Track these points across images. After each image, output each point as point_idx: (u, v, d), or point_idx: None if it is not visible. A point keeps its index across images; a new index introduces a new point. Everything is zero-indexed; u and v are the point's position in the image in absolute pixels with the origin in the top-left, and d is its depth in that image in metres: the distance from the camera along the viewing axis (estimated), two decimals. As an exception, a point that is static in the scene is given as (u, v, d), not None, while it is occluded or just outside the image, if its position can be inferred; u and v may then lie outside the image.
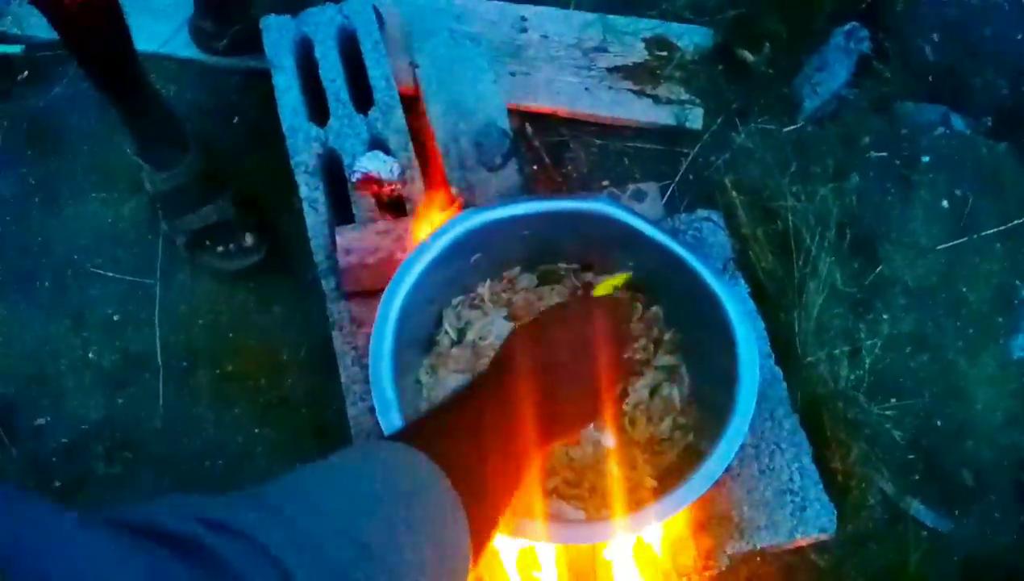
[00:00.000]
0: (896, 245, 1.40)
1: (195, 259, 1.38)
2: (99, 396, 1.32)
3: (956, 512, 1.24)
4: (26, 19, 1.55)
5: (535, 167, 1.50)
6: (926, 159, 1.47)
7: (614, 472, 1.00)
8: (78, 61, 1.22)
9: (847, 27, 1.54)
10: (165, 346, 1.35)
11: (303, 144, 1.24)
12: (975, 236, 1.43)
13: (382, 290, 1.02)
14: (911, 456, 1.24)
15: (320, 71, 1.30)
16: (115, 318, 1.37)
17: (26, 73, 1.55)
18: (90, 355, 1.35)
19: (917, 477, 1.24)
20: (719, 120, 1.51)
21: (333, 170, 1.26)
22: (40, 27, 1.50)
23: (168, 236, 1.39)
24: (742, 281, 1.20)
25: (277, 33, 1.31)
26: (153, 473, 1.27)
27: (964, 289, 1.39)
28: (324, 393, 1.26)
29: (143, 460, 1.28)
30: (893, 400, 1.28)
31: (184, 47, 1.55)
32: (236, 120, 1.51)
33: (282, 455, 1.27)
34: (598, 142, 1.52)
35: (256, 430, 1.30)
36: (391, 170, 1.22)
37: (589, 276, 1.14)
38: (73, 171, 1.47)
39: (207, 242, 1.37)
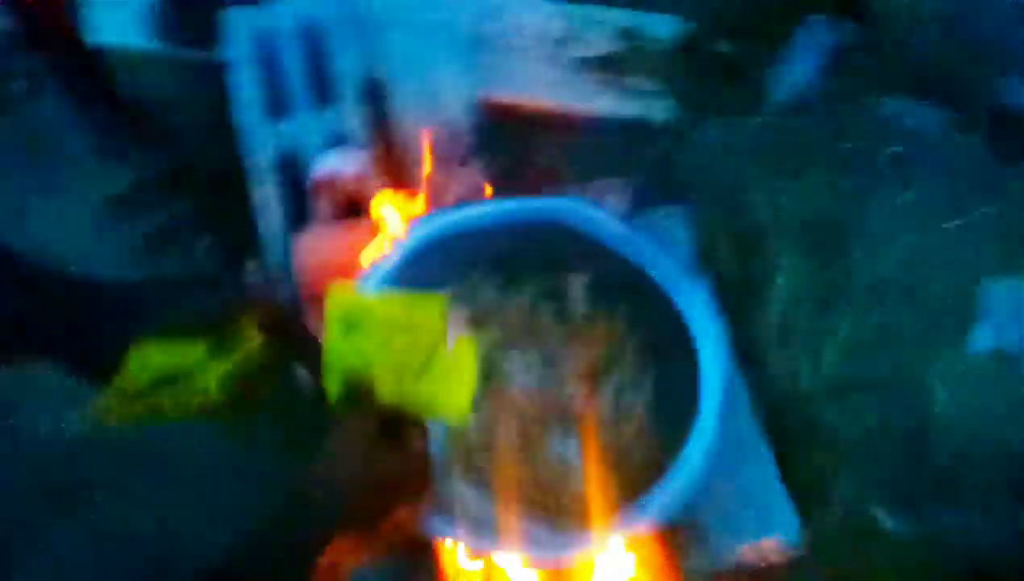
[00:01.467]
0: (859, 240, 1.40)
1: (153, 263, 1.35)
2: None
3: (918, 515, 1.26)
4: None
5: (501, 157, 1.48)
6: (896, 150, 1.46)
7: (579, 486, 1.00)
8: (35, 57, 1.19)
9: (820, 17, 1.53)
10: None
11: (259, 141, 1.21)
12: (939, 228, 1.44)
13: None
14: (871, 458, 1.25)
15: (280, 65, 1.26)
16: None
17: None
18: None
19: (877, 480, 1.25)
20: (687, 112, 1.49)
21: (292, 169, 1.23)
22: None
23: (126, 239, 1.36)
24: (704, 283, 1.19)
25: (237, 26, 1.28)
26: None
27: (926, 283, 1.39)
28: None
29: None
30: (854, 398, 1.29)
31: (141, 36, 1.49)
32: (195, 115, 1.47)
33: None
34: (564, 136, 1.50)
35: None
36: (353, 166, 1.20)
37: (552, 277, 1.13)
38: (31, 169, 1.43)
39: (162, 245, 1.34)
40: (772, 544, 1.05)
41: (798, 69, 1.51)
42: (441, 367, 0.73)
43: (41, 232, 1.38)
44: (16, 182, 1.41)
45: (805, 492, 1.15)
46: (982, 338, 1.39)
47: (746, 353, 1.21)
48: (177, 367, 0.62)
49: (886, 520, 1.23)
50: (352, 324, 0.69)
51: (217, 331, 0.63)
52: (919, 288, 1.40)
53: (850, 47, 1.51)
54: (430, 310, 0.71)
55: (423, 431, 0.73)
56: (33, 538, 1.20)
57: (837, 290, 1.37)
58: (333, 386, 0.69)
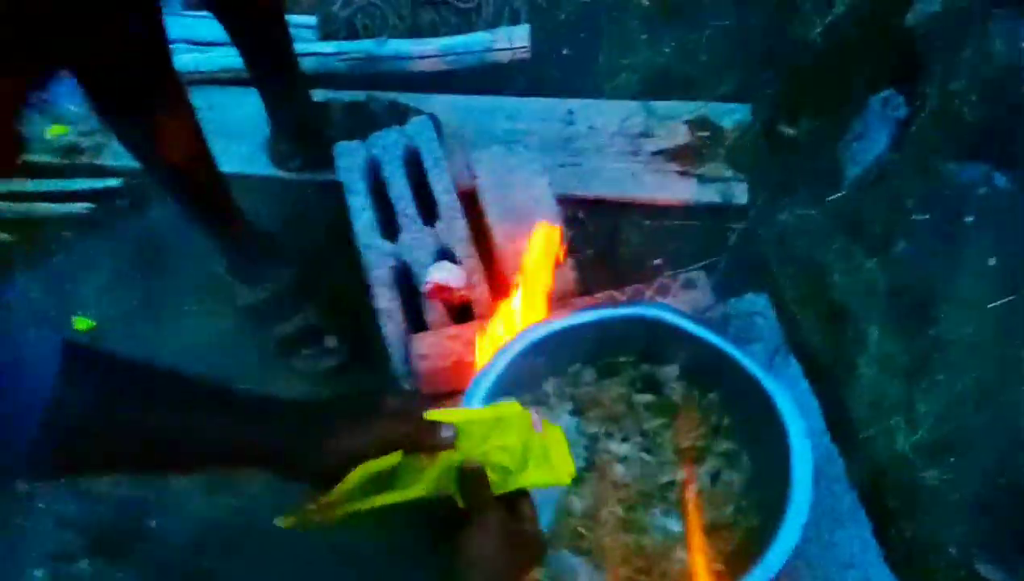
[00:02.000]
0: (946, 306, 1.44)
1: (286, 363, 1.51)
2: (210, 497, 1.45)
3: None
4: (124, 153, 1.72)
5: (590, 252, 1.59)
6: (970, 218, 1.51)
7: (682, 558, 1.07)
8: (171, 195, 1.37)
9: (883, 94, 1.60)
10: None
11: (377, 259, 1.37)
12: (1024, 292, 1.46)
13: (458, 391, 1.13)
14: (976, 516, 1.27)
15: (389, 190, 1.42)
16: (218, 422, 1.50)
17: (127, 201, 1.72)
18: (198, 457, 1.49)
19: (984, 538, 1.26)
20: (764, 195, 1.58)
21: (405, 280, 1.38)
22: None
23: (259, 344, 1.53)
24: (793, 360, 1.26)
25: (348, 158, 1.45)
26: (264, 571, 1.38)
27: (1019, 346, 1.42)
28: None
29: (255, 559, 1.39)
30: (953, 460, 1.32)
31: (263, 166, 1.70)
32: (314, 231, 1.65)
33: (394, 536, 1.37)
34: (648, 223, 1.60)
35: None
36: (458, 278, 1.34)
37: (647, 367, 1.23)
38: (175, 288, 1.62)
39: (294, 348, 1.50)
40: (875, 612, 1.09)
41: (870, 145, 1.58)
42: (539, 447, 0.82)
43: (180, 345, 1.55)
44: (157, 304, 1.60)
45: (906, 555, 1.18)
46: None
47: (839, 424, 1.26)
48: (378, 476, 0.70)
49: (998, 576, 1.24)
50: (456, 433, 0.80)
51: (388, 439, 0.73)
52: (1011, 348, 1.42)
53: (914, 119, 1.57)
54: (511, 409, 0.82)
55: (532, 504, 0.83)
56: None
57: (928, 356, 1.41)
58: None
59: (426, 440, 0.74)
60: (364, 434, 0.70)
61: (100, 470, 0.65)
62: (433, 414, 0.78)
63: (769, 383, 1.06)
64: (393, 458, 0.70)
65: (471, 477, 0.77)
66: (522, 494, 0.79)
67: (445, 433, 0.75)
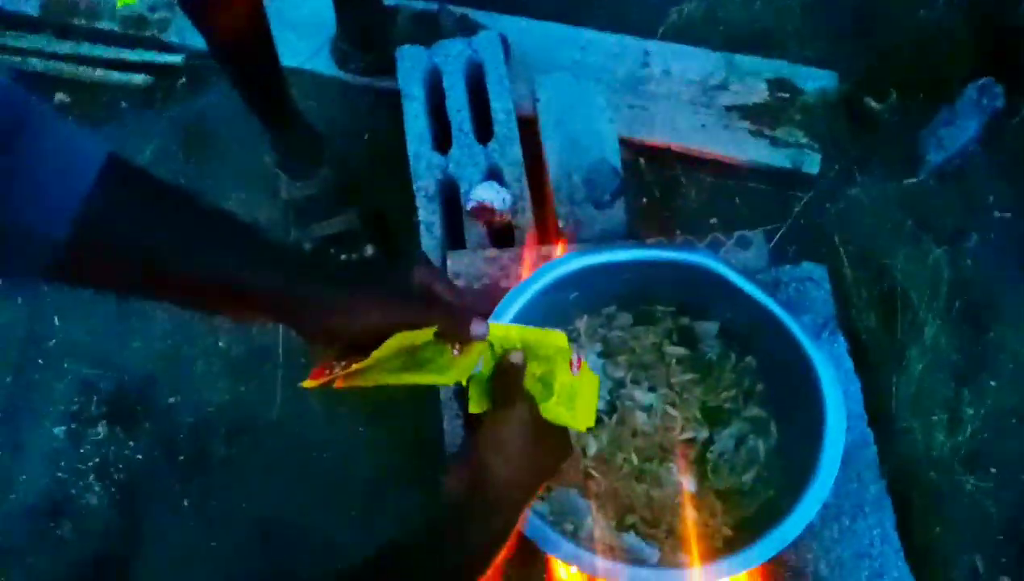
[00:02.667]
0: (1009, 313, 1.36)
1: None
2: (224, 382, 1.45)
3: (1050, 597, 1.21)
4: (188, 30, 1.69)
5: (644, 201, 1.54)
6: (1056, 226, 1.42)
7: (692, 517, 1.03)
8: (229, 76, 1.34)
9: (981, 82, 1.50)
10: (287, 341, 1.46)
11: (425, 170, 1.32)
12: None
13: (485, 315, 1.08)
14: (1005, 535, 1.21)
15: (447, 101, 1.37)
16: (245, 312, 1.49)
17: (184, 80, 1.70)
18: (220, 344, 1.48)
19: (1010, 557, 1.20)
20: (836, 168, 1.50)
21: (450, 195, 1.34)
22: (199, 38, 1.64)
23: (297, 241, 1.51)
24: (841, 339, 1.20)
25: (410, 63, 1.40)
26: (266, 459, 1.38)
27: (1081, 365, 1.34)
28: (426, 403, 1.33)
29: (258, 446, 1.40)
30: (993, 471, 1.26)
31: (324, 64, 1.66)
32: (367, 137, 1.61)
33: (383, 457, 1.36)
34: (710, 180, 1.54)
35: (361, 429, 1.40)
36: (504, 201, 1.29)
37: (685, 320, 1.17)
38: (218, 173, 1.61)
39: (332, 250, 1.47)
40: (885, 605, 1.04)
41: (958, 132, 1.48)
42: (568, 388, 0.80)
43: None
44: (200, 187, 1.58)
45: (926, 556, 1.13)
46: None
47: (879, 411, 1.20)
48: (410, 349, 0.68)
49: (1016, 600, 1.19)
50: (493, 352, 0.76)
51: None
52: (1072, 367, 1.34)
53: (1007, 114, 1.47)
54: (557, 341, 0.78)
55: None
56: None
57: (983, 360, 1.34)
58: (475, 402, 0.78)
59: (463, 331, 0.70)
60: (393, 310, 0.66)
61: (117, 285, 0.62)
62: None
63: (814, 351, 1.00)
64: (427, 333, 0.67)
65: (509, 369, 0.75)
66: None
67: (479, 329, 0.71)
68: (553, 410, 0.78)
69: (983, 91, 1.49)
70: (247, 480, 1.38)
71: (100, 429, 1.43)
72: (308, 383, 0.69)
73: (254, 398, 1.44)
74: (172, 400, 1.45)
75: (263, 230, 0.66)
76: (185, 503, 1.37)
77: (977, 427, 1.25)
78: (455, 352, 0.72)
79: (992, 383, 1.32)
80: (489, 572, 0.65)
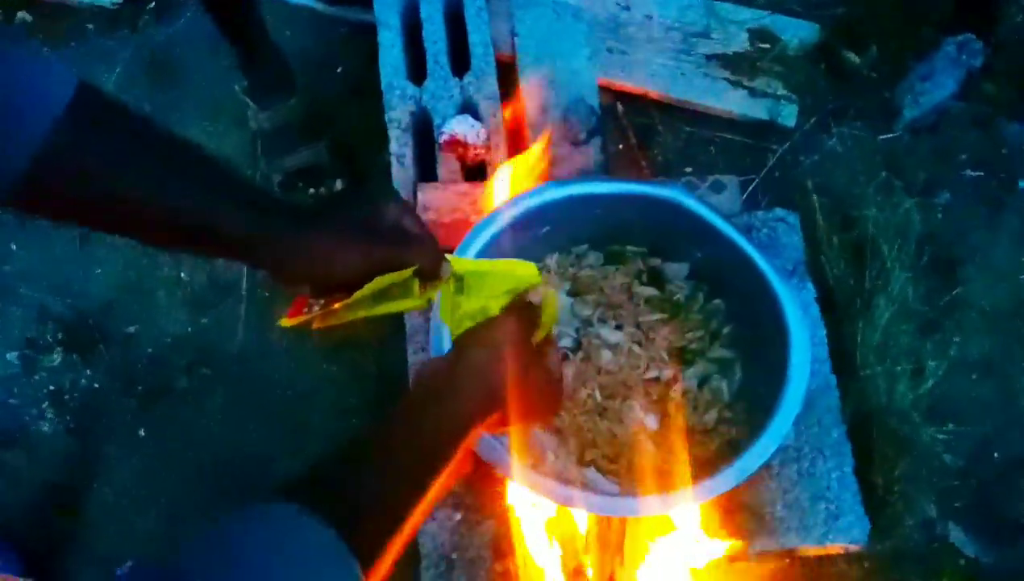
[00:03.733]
0: (976, 268, 1.37)
1: (289, 197, 1.46)
2: (186, 313, 1.42)
3: (999, 546, 1.23)
4: (157, -48, 1.64)
5: (620, 146, 1.52)
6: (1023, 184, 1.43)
7: (653, 454, 1.03)
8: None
9: (960, 38, 1.49)
10: (251, 275, 1.43)
11: (398, 101, 1.29)
12: (1065, 269, 1.39)
13: (452, 249, 1.07)
14: (959, 483, 1.23)
15: (423, 32, 1.34)
16: (208, 244, 1.46)
17: (153, 5, 1.64)
18: (182, 275, 1.45)
19: (962, 504, 1.22)
20: (812, 120, 1.49)
21: (423, 129, 1.31)
22: (169, -40, 1.60)
23: (264, 173, 1.47)
24: (810, 285, 1.20)
25: (387, -10, 1.36)
26: (226, 393, 1.36)
27: (1043, 322, 1.35)
28: (390, 338, 1.32)
29: (219, 379, 1.37)
30: (950, 424, 1.27)
31: (301, -7, 1.61)
32: (340, 70, 1.57)
33: (346, 392, 1.34)
34: (687, 129, 1.52)
35: (324, 366, 1.38)
36: (477, 135, 1.27)
37: (656, 261, 1.17)
38: (184, 102, 1.56)
39: (299, 183, 1.44)
40: (838, 545, 1.05)
41: (935, 88, 1.48)
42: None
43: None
44: (165, 115, 1.53)
45: (882, 502, 1.14)
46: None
47: (843, 357, 1.21)
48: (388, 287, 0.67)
49: (966, 545, 1.21)
50: (460, 285, 0.76)
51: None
52: (1035, 325, 1.36)
53: (984, 71, 1.47)
54: (527, 270, 0.79)
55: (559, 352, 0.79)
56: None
57: (947, 313, 1.35)
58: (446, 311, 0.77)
59: (437, 271, 0.70)
60: (371, 251, 0.65)
61: (79, 218, 0.59)
62: (450, 258, 0.74)
63: (782, 290, 1.00)
64: (406, 273, 0.66)
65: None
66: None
67: (447, 269, 0.72)
68: None
69: (962, 47, 1.48)
70: (206, 413, 1.36)
71: (56, 356, 1.40)
72: (285, 322, 0.68)
73: (216, 331, 1.41)
74: (131, 330, 1.42)
75: (236, 168, 0.64)
76: (142, 433, 1.35)
77: (939, 379, 1.26)
78: (422, 288, 0.71)
79: (956, 338, 1.33)
80: (455, 464, 0.63)
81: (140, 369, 1.39)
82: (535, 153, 1.10)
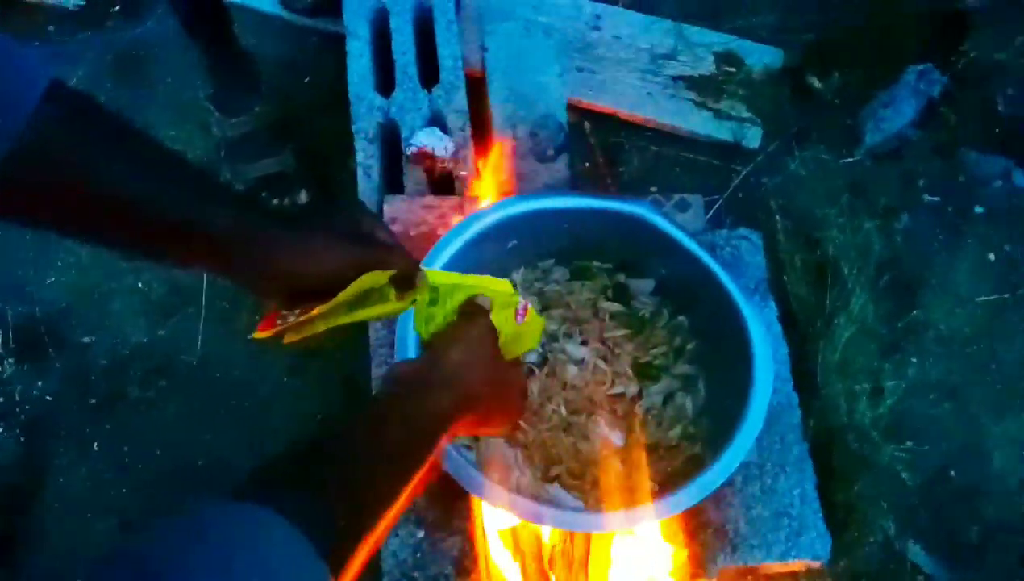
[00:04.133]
0: (935, 291, 1.39)
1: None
2: (143, 323, 1.39)
3: (958, 564, 1.24)
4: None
5: (587, 164, 1.53)
6: (980, 210, 1.46)
7: (617, 470, 1.02)
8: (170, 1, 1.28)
9: (921, 67, 1.53)
10: (211, 285, 1.41)
11: (366, 112, 1.29)
12: (1018, 293, 1.42)
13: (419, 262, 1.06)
14: (918, 502, 1.25)
15: (393, 43, 1.34)
16: (168, 252, 1.43)
17: (119, 7, 1.62)
18: (139, 284, 1.42)
19: (921, 524, 1.24)
20: (776, 142, 1.51)
21: (391, 140, 1.30)
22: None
23: (228, 181, 1.45)
24: (772, 304, 1.21)
25: (357, 1, 1.36)
26: (183, 404, 1.33)
27: (999, 346, 1.38)
28: (354, 350, 1.30)
29: (176, 390, 1.34)
30: (909, 444, 1.29)
31: (268, 2, 1.60)
32: (308, 79, 1.56)
33: (308, 404, 1.32)
34: (653, 148, 1.53)
35: (285, 379, 1.35)
36: (445, 148, 1.26)
37: (621, 277, 1.17)
38: (149, 105, 1.53)
39: (264, 193, 1.42)
40: (800, 561, 1.06)
41: (895, 115, 1.51)
42: (511, 335, 0.81)
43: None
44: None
45: (843, 520, 1.15)
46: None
47: (804, 375, 1.22)
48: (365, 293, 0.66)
49: (925, 563, 1.22)
50: (435, 296, 0.76)
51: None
52: (992, 351, 1.38)
53: (945, 100, 1.50)
54: (502, 287, 0.80)
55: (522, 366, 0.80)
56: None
57: (906, 335, 1.37)
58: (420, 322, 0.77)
59: (411, 278, 0.70)
60: (355, 252, 0.64)
61: (53, 218, 0.57)
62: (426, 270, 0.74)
63: (746, 308, 1.01)
64: (383, 277, 0.66)
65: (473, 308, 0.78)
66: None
67: (420, 278, 0.73)
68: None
69: (921, 76, 1.52)
70: (162, 425, 1.32)
71: (6, 366, 1.36)
72: (258, 334, 0.65)
73: (174, 341, 1.38)
74: (87, 339, 1.38)
75: (211, 171, 0.63)
76: (95, 446, 1.31)
77: (897, 399, 1.28)
78: (397, 297, 0.71)
79: (913, 359, 1.35)
80: (429, 464, 0.62)
81: (94, 380, 1.35)
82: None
